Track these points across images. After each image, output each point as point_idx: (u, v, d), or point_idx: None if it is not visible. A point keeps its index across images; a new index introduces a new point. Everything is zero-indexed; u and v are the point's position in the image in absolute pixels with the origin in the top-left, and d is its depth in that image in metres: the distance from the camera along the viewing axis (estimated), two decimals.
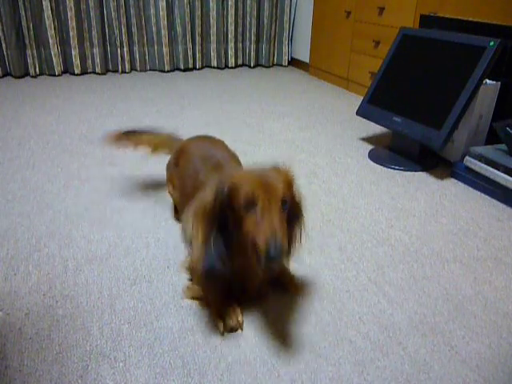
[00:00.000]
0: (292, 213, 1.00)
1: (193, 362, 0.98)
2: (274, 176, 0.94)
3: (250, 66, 4.23)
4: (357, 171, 2.01)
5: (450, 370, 0.98)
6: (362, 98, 2.37)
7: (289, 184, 0.98)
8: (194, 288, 1.17)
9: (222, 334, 1.05)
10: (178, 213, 1.50)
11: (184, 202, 1.26)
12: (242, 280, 1.08)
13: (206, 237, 0.96)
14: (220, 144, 1.44)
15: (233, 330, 1.07)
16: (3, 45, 3.40)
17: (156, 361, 0.98)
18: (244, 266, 1.01)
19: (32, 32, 3.45)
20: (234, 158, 1.35)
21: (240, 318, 1.07)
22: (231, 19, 3.95)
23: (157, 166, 1.99)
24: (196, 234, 0.98)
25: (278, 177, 0.94)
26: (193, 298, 1.17)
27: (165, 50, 3.82)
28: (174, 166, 1.44)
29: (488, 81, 1.94)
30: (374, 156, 2.17)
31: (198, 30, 3.89)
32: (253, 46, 4.12)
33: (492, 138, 1.95)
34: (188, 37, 3.84)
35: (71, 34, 3.52)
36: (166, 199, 1.70)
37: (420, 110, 1.99)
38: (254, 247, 0.89)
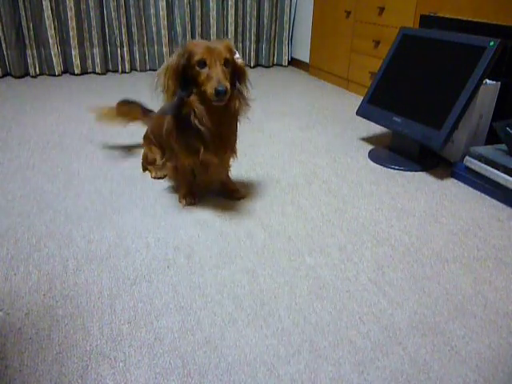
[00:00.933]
0: (237, 73, 1.43)
1: (193, 362, 0.98)
2: (218, 44, 1.35)
3: (250, 66, 4.22)
4: (357, 171, 2.01)
5: (450, 370, 0.98)
6: (362, 98, 2.37)
7: (229, 50, 1.37)
8: (170, 167, 1.64)
9: (183, 207, 1.62)
10: (144, 163, 1.91)
11: (161, 139, 1.67)
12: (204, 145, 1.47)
13: (174, 88, 1.39)
14: None
15: (191, 204, 1.64)
16: (3, 45, 3.40)
17: (156, 361, 0.98)
18: (202, 111, 1.40)
19: (32, 32, 3.45)
20: None
21: (196, 199, 1.66)
22: (231, 19, 3.95)
23: None
24: (166, 86, 1.39)
25: (221, 45, 1.35)
26: (168, 176, 1.75)
27: (165, 50, 3.82)
28: (150, 134, 1.82)
29: (488, 81, 1.94)
30: (374, 156, 2.17)
31: (197, 30, 3.89)
32: (253, 46, 4.12)
33: (492, 138, 1.95)
34: (188, 37, 3.84)
35: (71, 33, 3.52)
36: (167, 199, 1.70)
37: (420, 110, 1.99)
38: (206, 89, 1.32)
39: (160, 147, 1.76)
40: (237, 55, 1.42)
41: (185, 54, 1.36)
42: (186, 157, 1.52)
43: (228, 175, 1.72)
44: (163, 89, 1.41)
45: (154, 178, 1.84)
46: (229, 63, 1.36)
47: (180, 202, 1.65)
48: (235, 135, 1.56)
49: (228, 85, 1.30)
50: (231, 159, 1.64)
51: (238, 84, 1.44)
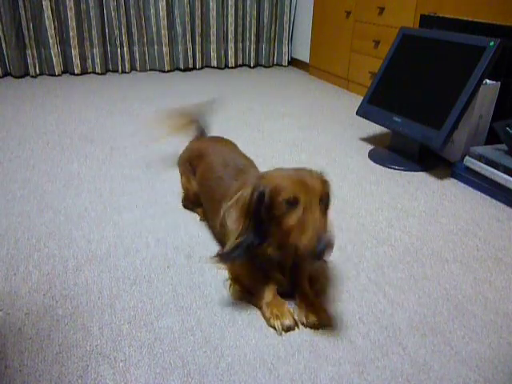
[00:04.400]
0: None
1: (193, 362, 0.98)
2: (309, 176, 1.03)
3: (250, 66, 4.22)
4: (357, 171, 2.01)
5: (450, 370, 0.98)
6: (362, 98, 2.37)
7: (326, 184, 1.07)
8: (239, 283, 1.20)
9: (280, 334, 1.05)
10: (187, 201, 1.62)
11: (209, 205, 1.41)
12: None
13: (243, 228, 1.05)
14: (235, 148, 1.59)
15: (290, 329, 1.07)
16: (3, 45, 3.40)
17: (156, 361, 0.98)
18: (280, 260, 1.11)
19: (32, 32, 3.45)
20: (251, 163, 1.46)
21: (294, 317, 1.09)
22: (231, 19, 3.95)
23: (157, 165, 1.99)
24: (234, 224, 1.07)
25: (313, 177, 1.03)
26: (241, 295, 1.19)
27: (165, 49, 3.82)
28: (189, 164, 1.55)
29: (488, 81, 1.94)
30: (374, 156, 2.17)
31: (197, 30, 3.89)
32: (253, 46, 4.12)
33: (492, 138, 1.95)
34: (188, 37, 3.84)
35: (71, 34, 3.52)
36: (167, 199, 1.70)
37: (420, 110, 1.99)
38: (296, 241, 0.97)
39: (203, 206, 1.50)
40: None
41: (265, 188, 1.01)
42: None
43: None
44: (231, 229, 1.09)
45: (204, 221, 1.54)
46: (325, 202, 1.05)
47: (271, 325, 1.08)
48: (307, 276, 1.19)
49: (333, 238, 0.94)
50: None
51: None
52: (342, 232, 1.51)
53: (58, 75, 3.62)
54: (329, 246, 0.93)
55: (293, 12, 4.19)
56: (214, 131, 2.52)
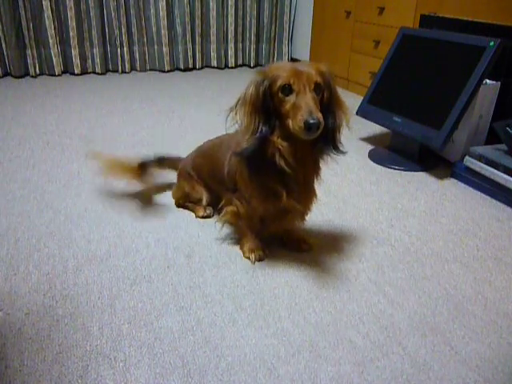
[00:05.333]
0: (331, 102, 1.14)
1: (193, 362, 0.98)
2: (306, 66, 1.09)
3: (249, 66, 4.22)
4: (357, 171, 2.01)
5: (450, 370, 0.98)
6: (362, 97, 2.37)
7: (321, 72, 1.10)
8: (231, 212, 1.34)
9: (253, 263, 1.33)
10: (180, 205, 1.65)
11: (212, 171, 1.45)
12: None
13: (255, 125, 1.10)
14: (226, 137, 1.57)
15: (260, 260, 1.34)
16: (3, 45, 3.40)
17: (156, 361, 0.98)
18: (286, 151, 1.13)
19: (32, 32, 3.45)
20: None
21: (266, 252, 1.37)
22: (231, 19, 3.95)
23: None
24: (246, 124, 1.11)
25: (310, 66, 1.09)
26: (228, 222, 1.40)
27: (165, 49, 3.82)
28: (188, 174, 1.57)
29: (488, 81, 1.94)
30: (374, 156, 2.17)
31: (198, 30, 3.89)
32: (253, 46, 4.12)
33: (492, 138, 1.95)
34: (188, 37, 3.84)
35: (71, 34, 3.52)
36: (167, 198, 1.70)
37: (420, 110, 1.99)
38: (294, 123, 1.05)
39: (205, 186, 1.54)
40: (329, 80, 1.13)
41: (265, 81, 1.09)
42: (262, 202, 1.24)
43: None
44: (242, 127, 1.13)
45: (202, 217, 1.57)
46: (320, 90, 1.09)
47: (246, 256, 1.35)
48: (319, 176, 1.26)
49: (320, 116, 1.03)
50: (313, 204, 1.32)
51: (330, 120, 1.14)
52: (342, 232, 1.51)
53: (58, 75, 3.62)
54: (318, 121, 1.01)
55: (293, 12, 4.19)
56: (214, 131, 2.52)
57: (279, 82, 1.06)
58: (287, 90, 1.06)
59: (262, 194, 1.22)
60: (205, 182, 1.53)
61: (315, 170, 1.23)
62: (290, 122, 1.06)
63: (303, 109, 1.02)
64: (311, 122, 1.00)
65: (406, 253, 1.41)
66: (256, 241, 1.36)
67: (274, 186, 1.18)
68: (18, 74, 3.48)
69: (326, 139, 1.13)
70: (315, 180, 1.25)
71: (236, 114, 1.13)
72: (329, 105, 1.13)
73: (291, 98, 1.06)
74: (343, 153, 1.18)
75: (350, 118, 1.18)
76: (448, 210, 1.69)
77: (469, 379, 0.96)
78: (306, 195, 1.25)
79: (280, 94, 1.07)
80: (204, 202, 1.55)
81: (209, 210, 1.57)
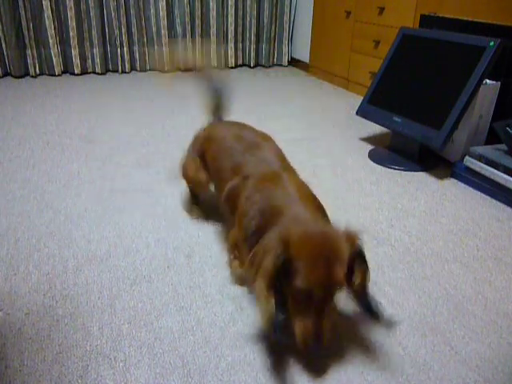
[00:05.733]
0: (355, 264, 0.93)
1: (193, 362, 0.98)
2: (339, 258, 0.87)
3: (249, 66, 4.22)
4: (357, 171, 2.01)
5: (450, 370, 0.98)
6: (362, 98, 2.37)
7: (360, 254, 0.93)
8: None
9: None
10: (196, 203, 1.58)
11: (218, 176, 1.31)
12: None
13: (269, 300, 0.89)
14: (246, 125, 1.42)
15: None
16: (3, 45, 3.40)
17: (156, 361, 0.98)
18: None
19: (32, 32, 3.45)
20: (264, 135, 1.34)
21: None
22: (231, 19, 3.95)
23: (157, 165, 1.99)
24: (261, 298, 0.90)
25: (343, 258, 0.88)
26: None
27: (165, 49, 3.82)
28: (199, 147, 1.44)
29: (488, 81, 1.94)
30: (374, 156, 2.17)
31: (197, 29, 3.89)
32: (253, 46, 4.12)
33: (492, 138, 1.95)
34: (188, 37, 3.84)
35: (71, 34, 3.52)
36: (167, 199, 1.70)
37: (420, 110, 1.99)
38: (295, 330, 0.89)
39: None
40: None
41: (285, 258, 0.87)
42: None
43: None
44: (260, 304, 0.92)
45: (197, 217, 1.51)
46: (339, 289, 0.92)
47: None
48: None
49: (324, 339, 0.88)
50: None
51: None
52: None
53: (58, 75, 3.62)
54: (318, 352, 0.91)
55: (293, 12, 4.19)
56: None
57: (301, 284, 0.86)
58: (306, 296, 0.87)
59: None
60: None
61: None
62: (295, 324, 0.90)
63: (307, 325, 0.87)
64: (311, 348, 0.88)
65: (406, 253, 1.41)
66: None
67: None
68: (18, 74, 3.48)
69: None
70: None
71: (254, 281, 0.92)
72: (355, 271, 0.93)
73: (305, 304, 0.88)
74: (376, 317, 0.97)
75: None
76: (448, 210, 1.69)
77: (469, 379, 0.96)
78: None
79: (295, 292, 0.88)
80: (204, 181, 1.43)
81: (200, 211, 1.55)
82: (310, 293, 0.86)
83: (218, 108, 1.55)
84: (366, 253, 0.94)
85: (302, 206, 1.02)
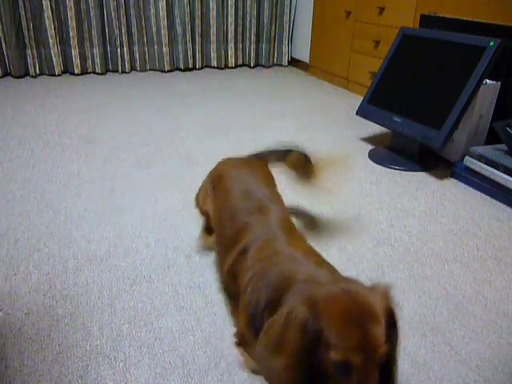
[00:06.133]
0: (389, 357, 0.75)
1: (193, 362, 0.98)
2: (375, 320, 0.70)
3: (249, 66, 4.22)
4: (357, 171, 2.01)
5: (450, 370, 0.98)
6: (362, 97, 2.37)
7: (391, 323, 0.74)
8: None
9: None
10: (208, 232, 1.38)
11: (218, 240, 1.16)
12: None
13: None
14: (261, 174, 1.27)
15: None
16: (3, 45, 3.40)
17: (156, 361, 0.98)
18: None
19: (32, 32, 3.44)
20: (275, 196, 1.19)
21: None
22: (231, 19, 3.95)
23: (157, 165, 1.99)
24: (282, 375, 0.72)
25: (380, 320, 0.70)
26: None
27: (165, 49, 3.82)
28: (210, 189, 1.28)
29: (488, 81, 1.94)
30: (374, 156, 2.17)
31: (198, 30, 3.89)
32: (253, 46, 4.12)
33: (492, 138, 1.95)
34: (188, 37, 3.84)
35: (71, 34, 3.52)
36: (167, 199, 1.70)
37: (420, 110, 1.99)
38: None
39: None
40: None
41: (314, 323, 0.69)
42: None
43: None
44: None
45: (203, 247, 1.39)
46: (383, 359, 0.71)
47: None
48: None
49: None
50: None
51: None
52: (342, 232, 1.51)
53: (58, 75, 3.62)
54: None
55: (293, 12, 4.19)
56: (214, 131, 2.52)
57: (335, 355, 0.67)
58: (345, 369, 0.68)
59: None
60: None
61: None
62: None
63: None
64: None
65: (406, 253, 1.41)
66: None
67: None
68: (18, 74, 3.48)
69: None
70: None
71: (268, 361, 0.75)
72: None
73: (346, 381, 0.68)
74: None
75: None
76: (448, 210, 1.69)
77: (469, 379, 0.96)
78: None
79: (332, 369, 0.69)
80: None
81: (208, 241, 1.38)
82: (349, 366, 0.67)
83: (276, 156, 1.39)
84: (397, 314, 0.77)
85: (316, 267, 0.86)
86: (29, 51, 3.48)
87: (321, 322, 0.68)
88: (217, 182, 1.25)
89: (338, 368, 0.68)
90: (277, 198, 1.18)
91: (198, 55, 3.98)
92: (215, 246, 1.21)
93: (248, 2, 3.95)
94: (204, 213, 1.32)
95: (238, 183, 1.18)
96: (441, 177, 1.97)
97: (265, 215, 1.06)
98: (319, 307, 0.70)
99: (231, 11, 3.92)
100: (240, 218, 1.07)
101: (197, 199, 1.36)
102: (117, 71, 3.80)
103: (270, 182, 1.28)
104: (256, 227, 1.02)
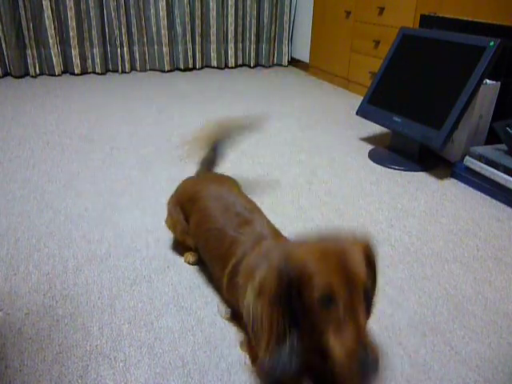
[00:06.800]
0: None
1: (193, 362, 0.98)
2: (352, 255, 0.75)
3: (249, 66, 4.22)
4: (357, 171, 2.01)
5: (450, 370, 0.98)
6: (362, 97, 2.37)
7: (371, 262, 0.79)
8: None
9: None
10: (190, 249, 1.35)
11: (210, 263, 1.17)
12: None
13: (274, 331, 0.76)
14: (229, 185, 1.31)
15: None
16: (3, 45, 3.40)
17: (156, 361, 0.98)
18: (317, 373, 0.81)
19: (32, 32, 3.45)
20: (255, 207, 1.20)
21: None
22: (231, 19, 3.95)
23: (157, 165, 1.99)
24: (262, 326, 0.78)
25: (357, 256, 0.75)
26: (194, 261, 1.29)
27: (165, 49, 3.82)
28: (179, 208, 1.29)
29: (488, 81, 1.94)
30: (374, 156, 2.17)
31: (198, 29, 3.89)
32: (253, 46, 4.12)
33: (492, 138, 1.95)
34: (188, 37, 3.84)
35: (71, 34, 3.52)
36: (167, 199, 1.69)
37: (420, 110, 1.99)
38: (332, 355, 0.71)
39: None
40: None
41: (290, 271, 0.75)
42: None
43: None
44: (259, 327, 0.79)
45: (192, 264, 1.33)
46: (369, 293, 0.80)
47: None
48: None
49: (378, 351, 0.70)
50: None
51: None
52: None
53: (58, 75, 3.62)
54: (376, 362, 0.69)
55: (293, 12, 4.19)
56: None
57: (318, 291, 0.72)
58: (328, 301, 0.72)
59: None
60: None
61: None
62: (329, 343, 0.72)
63: (350, 333, 0.70)
64: (364, 361, 0.67)
65: (406, 253, 1.41)
66: None
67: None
68: (18, 74, 3.48)
69: None
70: None
71: (251, 307, 0.80)
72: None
73: (333, 312, 0.72)
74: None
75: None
76: (448, 210, 1.69)
77: (469, 379, 0.96)
78: None
79: (316, 304, 0.73)
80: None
81: (196, 256, 1.32)
82: (333, 299, 0.71)
83: (210, 161, 1.46)
84: (375, 255, 0.82)
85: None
86: (29, 51, 3.48)
87: (299, 267, 0.74)
88: (190, 205, 1.25)
89: (322, 301, 0.72)
90: (254, 207, 1.20)
91: (198, 55, 3.98)
92: (208, 267, 1.21)
93: (248, 2, 3.95)
94: (185, 245, 1.31)
95: (214, 201, 1.19)
96: (441, 177, 1.97)
97: (250, 226, 1.07)
98: (295, 254, 0.76)
99: (231, 11, 3.92)
100: (228, 235, 1.07)
101: (170, 225, 1.35)
102: (117, 71, 3.80)
103: (240, 189, 1.32)
104: (246, 239, 1.03)
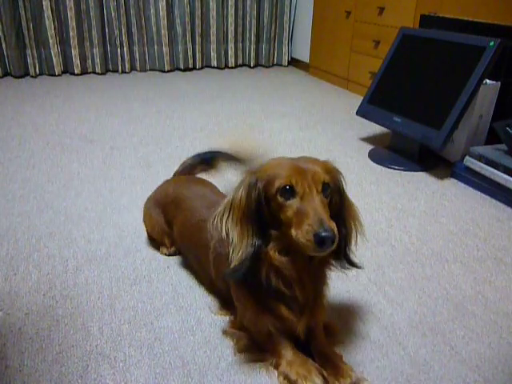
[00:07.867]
0: (340, 208, 0.91)
1: (193, 362, 0.98)
2: (309, 162, 0.87)
3: (250, 66, 4.22)
4: (357, 171, 2.01)
5: (450, 370, 0.98)
6: (362, 97, 2.37)
7: (329, 170, 0.89)
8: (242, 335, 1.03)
9: None
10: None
11: (194, 256, 1.21)
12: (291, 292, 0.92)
13: (245, 238, 0.86)
14: (216, 189, 1.35)
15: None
16: (3, 45, 3.40)
17: (156, 361, 0.98)
18: (289, 266, 0.88)
19: (32, 32, 3.45)
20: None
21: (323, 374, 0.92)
22: (231, 19, 3.95)
23: (157, 165, 1.99)
24: (234, 236, 0.87)
25: (314, 163, 0.87)
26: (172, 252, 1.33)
27: (165, 49, 3.82)
28: (160, 211, 1.32)
29: (488, 81, 1.94)
30: (374, 156, 2.17)
31: (198, 30, 3.89)
32: (253, 46, 4.12)
33: (492, 137, 1.95)
34: (188, 37, 3.84)
35: (71, 34, 3.52)
36: None
37: (420, 110, 1.99)
38: (295, 234, 0.81)
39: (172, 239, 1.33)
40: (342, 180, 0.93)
41: (258, 182, 0.86)
42: (264, 326, 0.96)
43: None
44: (229, 242, 0.89)
45: (168, 255, 1.36)
46: (329, 192, 0.87)
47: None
48: (326, 293, 1.01)
49: (334, 225, 0.81)
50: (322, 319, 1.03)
51: (342, 228, 0.91)
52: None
53: (58, 75, 3.62)
54: (332, 234, 0.78)
55: (293, 12, 4.19)
56: (214, 131, 2.52)
57: (278, 183, 0.83)
58: (288, 192, 0.83)
59: (263, 316, 0.95)
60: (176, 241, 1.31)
61: (322, 285, 0.98)
62: (293, 232, 0.82)
63: (311, 217, 0.80)
64: (323, 234, 0.78)
65: (406, 253, 1.41)
66: (299, 358, 0.95)
67: (274, 307, 0.93)
68: (18, 73, 3.48)
69: (336, 252, 0.90)
70: (323, 295, 0.99)
71: (221, 222, 0.89)
72: (338, 210, 0.91)
73: (294, 203, 0.83)
74: (358, 267, 0.99)
75: (363, 227, 0.97)
76: (448, 210, 1.69)
77: (469, 379, 0.96)
78: (313, 315, 0.96)
79: (279, 198, 0.84)
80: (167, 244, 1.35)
81: (173, 249, 1.35)
82: (290, 189, 0.83)
83: (192, 166, 1.46)
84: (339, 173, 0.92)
85: None
86: (29, 51, 3.48)
87: (266, 176, 0.86)
88: (173, 206, 1.27)
89: (282, 192, 0.84)
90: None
91: (198, 55, 3.98)
92: (193, 263, 1.26)
93: (248, 2, 3.95)
94: (162, 246, 1.37)
95: (199, 201, 1.23)
96: (441, 177, 1.97)
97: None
98: (263, 168, 0.88)
99: (231, 11, 3.92)
100: (201, 215, 1.15)
101: (148, 226, 1.38)
102: (117, 71, 3.80)
103: (219, 190, 1.36)
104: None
